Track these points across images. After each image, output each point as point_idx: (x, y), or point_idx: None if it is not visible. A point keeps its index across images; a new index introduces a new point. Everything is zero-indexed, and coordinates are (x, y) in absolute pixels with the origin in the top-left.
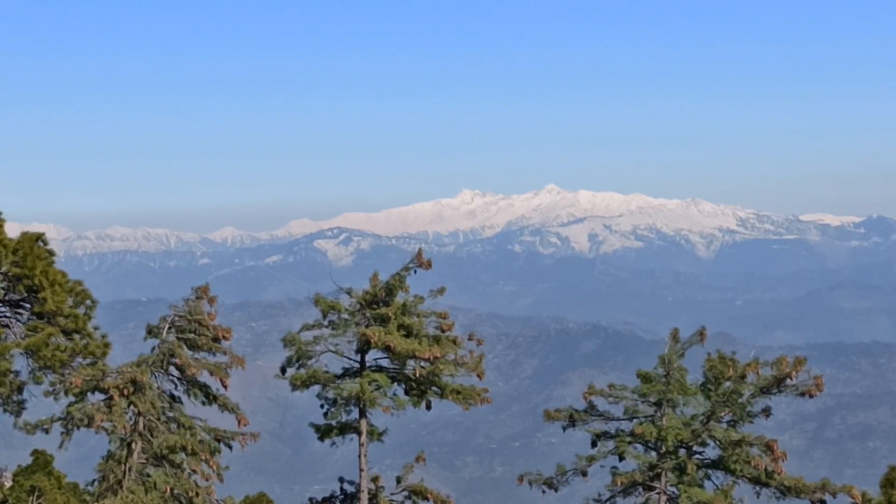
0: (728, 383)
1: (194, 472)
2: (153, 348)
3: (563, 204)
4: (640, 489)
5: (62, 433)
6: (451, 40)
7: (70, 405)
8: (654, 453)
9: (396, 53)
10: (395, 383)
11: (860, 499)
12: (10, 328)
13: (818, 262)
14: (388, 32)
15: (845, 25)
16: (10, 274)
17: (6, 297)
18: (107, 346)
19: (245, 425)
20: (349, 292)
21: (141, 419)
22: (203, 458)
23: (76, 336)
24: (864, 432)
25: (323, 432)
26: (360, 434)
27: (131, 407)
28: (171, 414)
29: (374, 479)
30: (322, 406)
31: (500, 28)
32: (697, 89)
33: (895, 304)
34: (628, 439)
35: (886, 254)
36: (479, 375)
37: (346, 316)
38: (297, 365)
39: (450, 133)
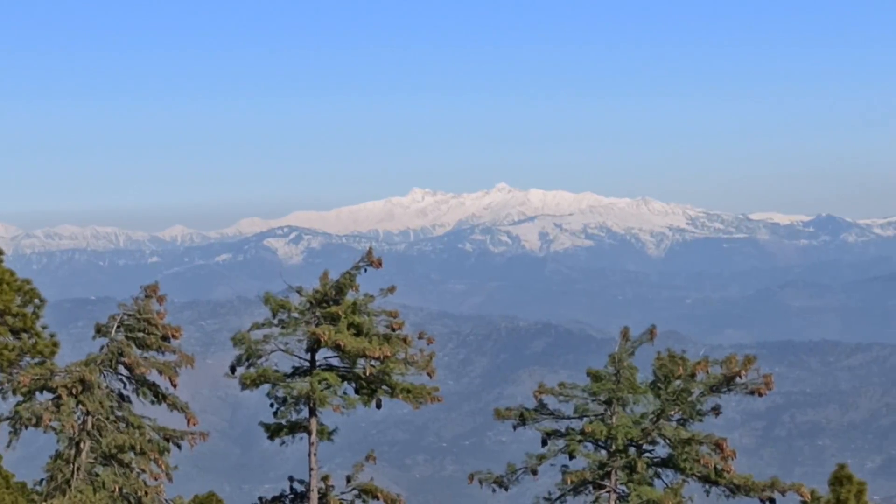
0: (678, 382)
1: (143, 471)
2: (102, 347)
3: (514, 203)
4: (591, 488)
5: (10, 432)
6: (401, 38)
7: (18, 404)
8: (604, 452)
9: (346, 51)
10: (346, 382)
11: (809, 497)
12: None
13: (768, 260)
14: (337, 29)
15: (791, 25)
16: None
17: None
18: (55, 345)
19: (194, 424)
20: (299, 291)
21: (89, 418)
22: (152, 457)
23: (24, 335)
24: (813, 430)
25: (273, 431)
26: (309, 433)
27: (80, 406)
28: (119, 413)
29: (324, 478)
30: (272, 405)
31: (449, 26)
32: (647, 88)
33: (844, 302)
34: (578, 438)
35: (835, 252)
36: (429, 374)
37: (296, 315)
38: (246, 364)
39: (401, 132)
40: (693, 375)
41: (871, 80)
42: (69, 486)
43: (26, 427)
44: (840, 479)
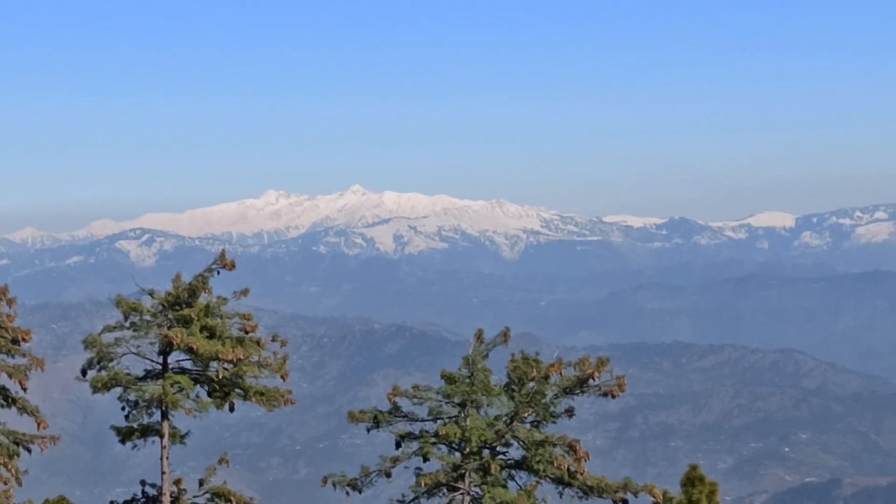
0: (532, 384)
1: None
2: None
3: (369, 205)
4: (444, 490)
5: None
6: (255, 38)
7: None
8: (458, 454)
9: (199, 52)
10: (198, 385)
11: (661, 498)
12: None
13: (621, 263)
14: (195, 29)
15: (641, 28)
16: None
17: None
18: None
19: (45, 428)
20: (151, 294)
21: None
22: (1, 461)
23: None
24: (666, 432)
25: (124, 435)
26: (162, 436)
27: None
28: None
29: (177, 482)
30: (123, 408)
31: (304, 27)
32: (500, 90)
33: (696, 304)
34: (432, 440)
35: (688, 255)
36: (283, 377)
37: (148, 317)
38: (98, 367)
39: (255, 133)
40: (547, 377)
41: (721, 85)
42: None
43: None
44: (692, 479)
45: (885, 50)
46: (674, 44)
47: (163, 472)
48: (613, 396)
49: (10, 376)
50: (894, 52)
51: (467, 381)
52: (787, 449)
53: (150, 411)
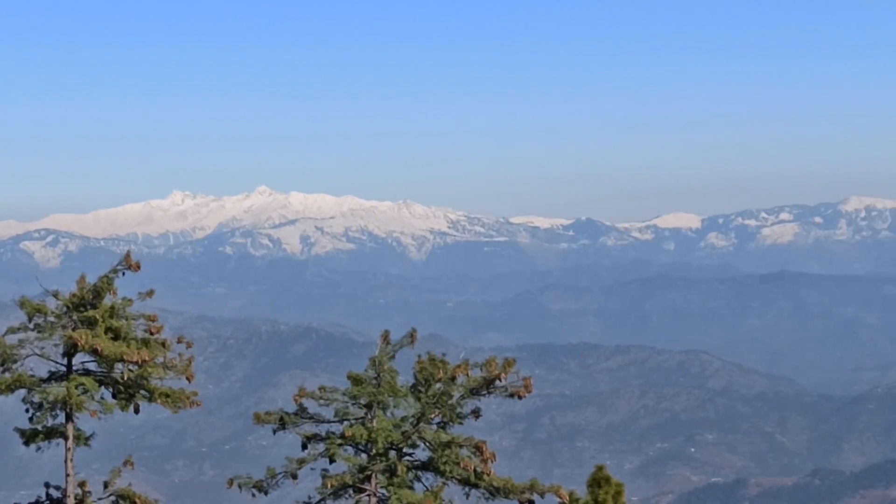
0: (438, 385)
1: None
2: None
3: (275, 206)
4: (351, 491)
5: None
6: (157, 37)
7: None
8: (364, 455)
9: (101, 49)
10: (103, 387)
11: (567, 498)
12: None
13: (528, 264)
14: (96, 28)
15: (541, 29)
16: None
17: None
18: None
19: None
20: (56, 295)
21: None
22: None
23: None
24: (573, 432)
25: (28, 437)
26: (66, 438)
27: None
28: None
29: (81, 484)
30: (27, 410)
31: (208, 25)
32: (407, 91)
33: (603, 305)
34: (339, 442)
35: (594, 256)
36: (188, 378)
37: (52, 319)
38: (1, 369)
39: (160, 133)
40: (453, 378)
41: (625, 86)
42: None
43: None
44: (598, 480)
45: (789, 51)
46: (576, 44)
47: (67, 475)
48: (520, 397)
49: None
50: (799, 53)
51: (374, 382)
52: (692, 449)
53: (54, 413)
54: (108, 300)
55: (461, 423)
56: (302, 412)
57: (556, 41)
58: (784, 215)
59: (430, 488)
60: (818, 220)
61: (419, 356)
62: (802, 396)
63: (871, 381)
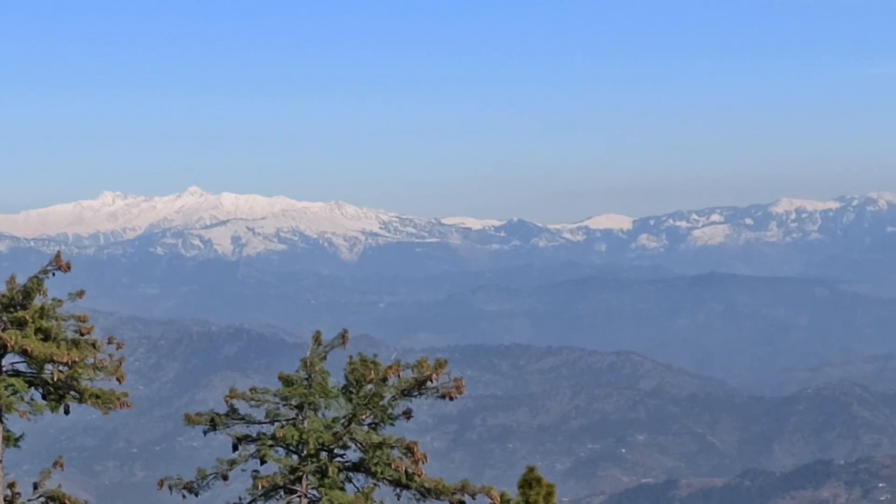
0: (370, 386)
1: None
2: None
3: (206, 206)
4: (282, 492)
5: None
6: (86, 37)
7: None
8: (295, 457)
9: (33, 49)
10: (33, 388)
11: (498, 499)
12: None
13: (460, 265)
14: (28, 25)
15: (469, 30)
16: None
17: None
18: None
19: None
20: None
21: None
22: None
23: None
24: (504, 433)
25: None
26: None
27: None
28: None
29: (11, 486)
30: None
31: (137, 25)
32: (336, 91)
33: (534, 306)
34: (270, 443)
35: (526, 257)
36: (119, 379)
37: None
38: None
39: (90, 132)
40: (385, 379)
41: (553, 86)
42: None
43: None
44: (529, 481)
45: (720, 53)
46: (505, 44)
47: None
48: (451, 398)
49: None
50: (730, 55)
51: (305, 383)
52: (623, 450)
53: None
54: (38, 301)
55: (393, 425)
56: (233, 413)
57: (485, 41)
58: (715, 217)
59: (361, 489)
60: (749, 221)
61: (350, 357)
62: (733, 397)
63: (802, 382)
